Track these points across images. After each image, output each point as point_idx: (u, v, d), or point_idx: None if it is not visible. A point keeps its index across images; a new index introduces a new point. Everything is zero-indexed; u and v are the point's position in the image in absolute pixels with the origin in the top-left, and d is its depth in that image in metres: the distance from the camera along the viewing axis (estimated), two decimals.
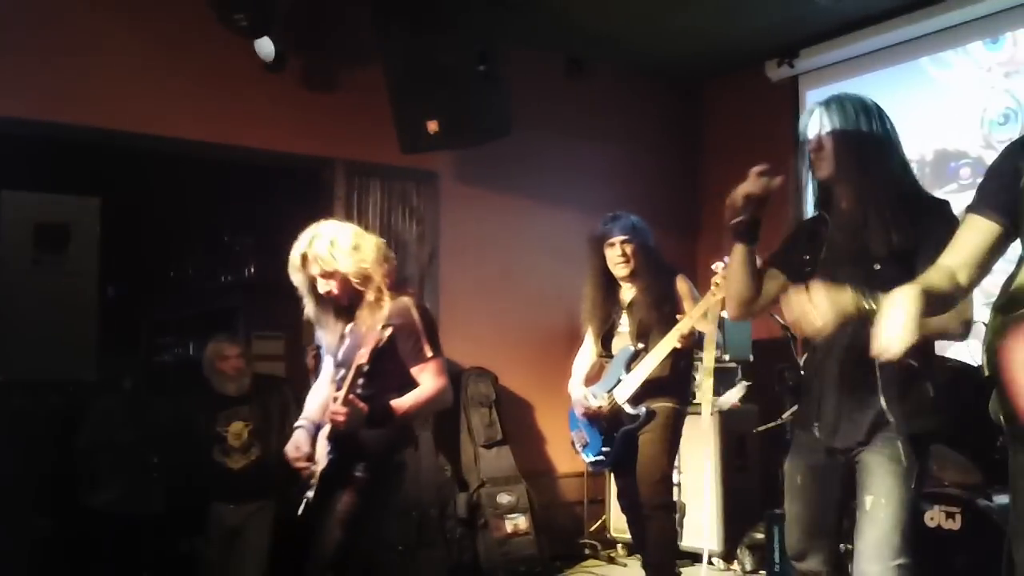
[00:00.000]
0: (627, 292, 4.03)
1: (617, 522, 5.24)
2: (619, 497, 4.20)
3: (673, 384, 3.91)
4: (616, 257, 3.96)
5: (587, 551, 5.46)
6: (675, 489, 4.67)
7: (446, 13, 4.43)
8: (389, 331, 2.76)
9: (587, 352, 4.16)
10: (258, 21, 4.45)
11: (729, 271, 2.57)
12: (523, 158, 5.59)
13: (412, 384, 2.86)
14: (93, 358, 3.69)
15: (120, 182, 4.68)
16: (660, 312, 3.89)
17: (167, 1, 4.58)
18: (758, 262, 2.58)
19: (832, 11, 5.00)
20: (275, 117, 4.87)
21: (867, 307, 1.96)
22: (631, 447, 3.89)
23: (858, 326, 2.03)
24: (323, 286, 2.92)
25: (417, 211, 5.35)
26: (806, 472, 2.49)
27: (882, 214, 2.35)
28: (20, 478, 3.60)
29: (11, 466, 3.52)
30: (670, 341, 3.76)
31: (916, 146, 5.15)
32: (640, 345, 3.92)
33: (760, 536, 4.61)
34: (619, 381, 3.90)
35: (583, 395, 3.98)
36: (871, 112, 2.51)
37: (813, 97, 5.74)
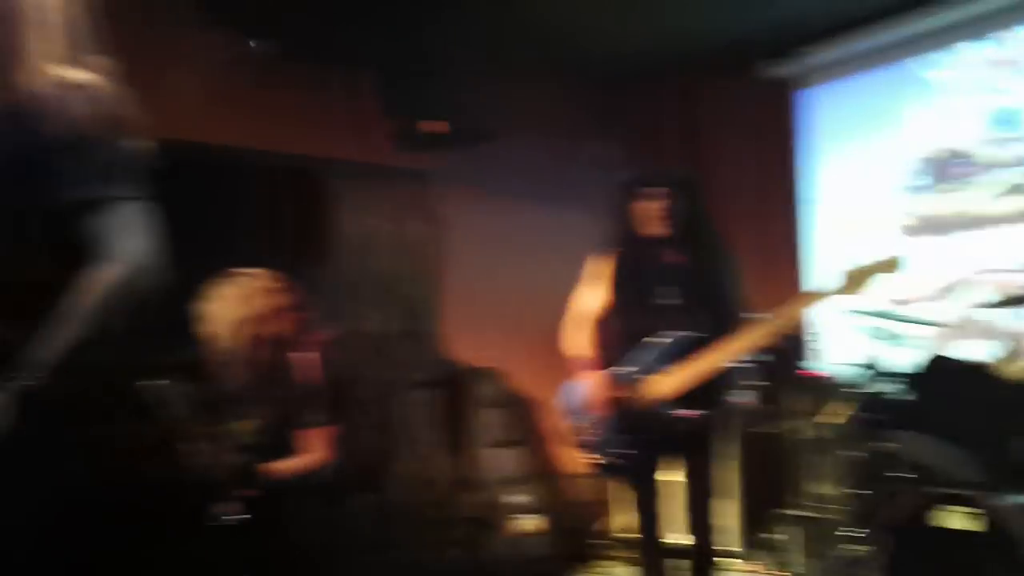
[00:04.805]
0: (671, 258, 3.22)
1: (631, 522, 5.19)
2: (640, 512, 3.43)
3: (726, 384, 3.29)
4: (654, 210, 3.18)
5: (600, 551, 5.43)
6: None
7: (436, 14, 4.40)
8: (280, 394, 2.80)
9: (588, 308, 3.40)
10: (256, 22, 4.44)
11: None
12: (523, 157, 5.54)
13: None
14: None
15: None
16: (719, 290, 3.21)
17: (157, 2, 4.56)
18: None
19: (827, 9, 4.92)
20: (273, 117, 4.84)
21: None
22: (664, 455, 3.28)
23: None
24: None
25: (419, 211, 5.32)
26: None
27: None
28: None
29: None
30: (752, 340, 3.08)
31: (913, 147, 5.08)
32: (693, 334, 3.15)
33: (777, 536, 4.56)
34: (662, 373, 3.17)
35: (606, 384, 3.21)
36: None
37: (813, 96, 5.69)
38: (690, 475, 3.21)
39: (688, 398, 3.12)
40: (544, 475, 5.33)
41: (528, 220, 5.70)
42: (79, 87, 1.65)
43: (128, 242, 1.62)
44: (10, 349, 1.56)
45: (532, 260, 5.63)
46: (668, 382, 3.13)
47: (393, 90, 4.54)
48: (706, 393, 3.14)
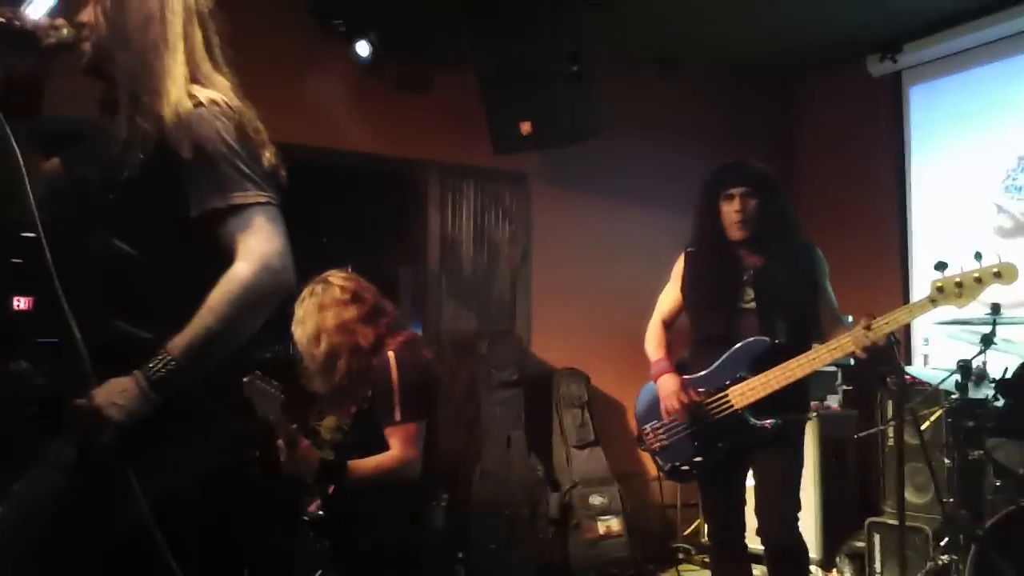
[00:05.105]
0: (749, 260, 3.13)
1: (710, 527, 5.14)
2: (711, 521, 3.39)
3: (806, 391, 3.16)
4: (734, 213, 3.09)
5: (680, 555, 5.39)
6: None
7: (537, 14, 4.43)
8: (369, 393, 2.83)
9: (665, 309, 3.36)
10: (355, 25, 4.53)
11: None
12: (614, 158, 5.55)
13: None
14: None
15: None
16: (799, 293, 3.07)
17: (266, 7, 4.71)
18: None
19: (933, 5, 4.81)
20: (370, 120, 4.95)
21: None
22: (739, 464, 3.17)
23: None
24: None
25: (509, 212, 5.38)
26: None
27: None
28: None
29: None
30: (845, 347, 2.91)
31: (1017, 146, 4.94)
32: (772, 339, 3.02)
33: (860, 544, 4.48)
34: (739, 378, 3.05)
35: (678, 388, 3.11)
36: None
37: (918, 94, 5.55)
38: (769, 482, 3.08)
39: (768, 404, 3.01)
40: (626, 477, 5.32)
41: (620, 220, 5.70)
42: (211, 104, 1.78)
43: (259, 246, 1.73)
44: (149, 346, 1.68)
45: (621, 260, 5.63)
46: (746, 389, 3.03)
47: (490, 91, 4.59)
48: (787, 399, 3.01)
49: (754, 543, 3.19)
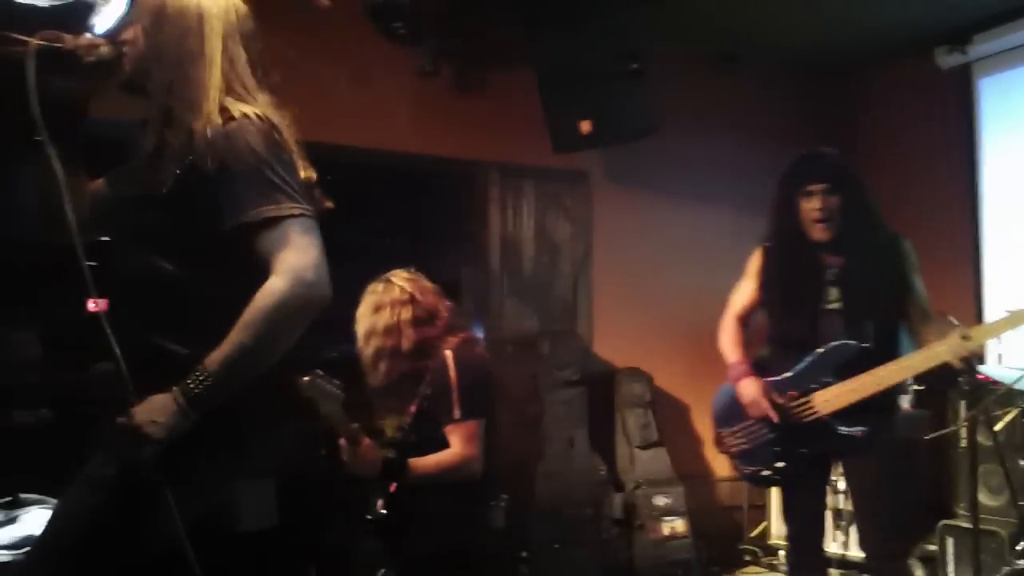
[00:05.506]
0: (831, 258, 2.98)
1: (779, 529, 5.08)
2: (792, 527, 3.23)
3: (895, 396, 3.06)
4: (815, 212, 2.94)
5: (747, 557, 5.33)
6: (840, 497, 4.50)
7: (595, 12, 4.42)
8: (428, 391, 2.85)
9: (740, 308, 3.20)
10: (415, 28, 4.57)
11: None
12: (674, 156, 5.51)
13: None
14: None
15: None
16: (886, 293, 2.92)
17: (326, 13, 4.77)
18: None
19: None
20: (430, 121, 4.99)
21: None
22: (823, 470, 3.10)
23: None
24: None
25: (569, 211, 5.37)
26: None
27: None
28: None
29: None
30: (940, 356, 2.76)
31: None
32: (860, 343, 2.88)
33: (932, 547, 4.37)
34: (825, 383, 2.94)
35: (763, 393, 2.98)
36: None
37: (988, 85, 5.39)
38: (867, 491, 2.99)
39: (855, 410, 2.89)
40: (690, 478, 5.28)
41: (682, 218, 5.66)
42: (244, 118, 1.79)
43: (295, 258, 1.74)
44: (188, 360, 1.70)
45: (683, 259, 5.59)
46: (832, 395, 2.91)
47: (549, 90, 4.59)
48: (875, 405, 2.88)
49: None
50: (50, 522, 1.85)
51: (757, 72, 5.90)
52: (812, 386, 2.96)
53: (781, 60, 5.94)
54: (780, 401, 2.98)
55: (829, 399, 2.91)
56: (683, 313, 5.54)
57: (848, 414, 2.89)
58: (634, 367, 5.34)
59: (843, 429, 2.89)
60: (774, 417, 2.97)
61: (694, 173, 5.68)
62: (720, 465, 5.54)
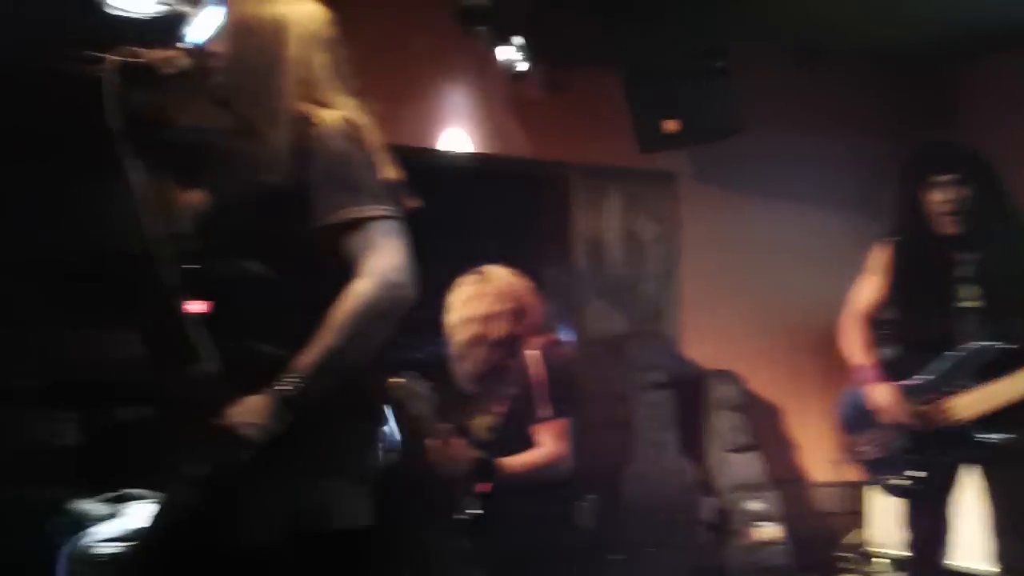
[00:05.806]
0: (964, 254, 2.83)
1: (877, 535, 4.94)
2: (916, 535, 3.07)
3: None
4: (944, 205, 2.80)
5: (842, 564, 5.20)
6: (967, 506, 4.30)
7: (677, 10, 4.39)
8: (516, 391, 2.85)
9: (866, 307, 3.03)
10: (501, 30, 4.60)
11: None
12: (761, 154, 5.40)
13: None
14: None
15: None
16: None
17: (412, 15, 4.83)
18: None
19: None
20: (515, 124, 5.00)
21: None
22: (955, 479, 2.96)
23: None
24: None
25: (655, 211, 5.32)
26: None
27: None
28: None
29: None
30: None
31: None
32: (1001, 344, 2.73)
33: None
34: (963, 387, 2.80)
35: (898, 400, 2.84)
36: None
37: None
38: (1011, 503, 2.85)
39: (998, 416, 2.76)
40: (784, 482, 5.18)
41: (770, 218, 5.55)
42: (327, 123, 1.82)
43: (380, 260, 1.76)
44: (277, 362, 1.73)
45: (773, 259, 5.48)
46: (971, 400, 2.77)
47: (632, 90, 4.56)
48: (1015, 412, 2.74)
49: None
50: (153, 517, 1.90)
51: (844, 67, 5.76)
52: (948, 390, 2.82)
53: (869, 55, 5.78)
54: (912, 407, 2.84)
55: (968, 405, 2.77)
56: (774, 315, 5.44)
57: (989, 420, 2.76)
58: (723, 369, 5.26)
59: (987, 436, 2.75)
60: (912, 425, 2.83)
61: (781, 171, 5.57)
62: (814, 470, 5.42)
